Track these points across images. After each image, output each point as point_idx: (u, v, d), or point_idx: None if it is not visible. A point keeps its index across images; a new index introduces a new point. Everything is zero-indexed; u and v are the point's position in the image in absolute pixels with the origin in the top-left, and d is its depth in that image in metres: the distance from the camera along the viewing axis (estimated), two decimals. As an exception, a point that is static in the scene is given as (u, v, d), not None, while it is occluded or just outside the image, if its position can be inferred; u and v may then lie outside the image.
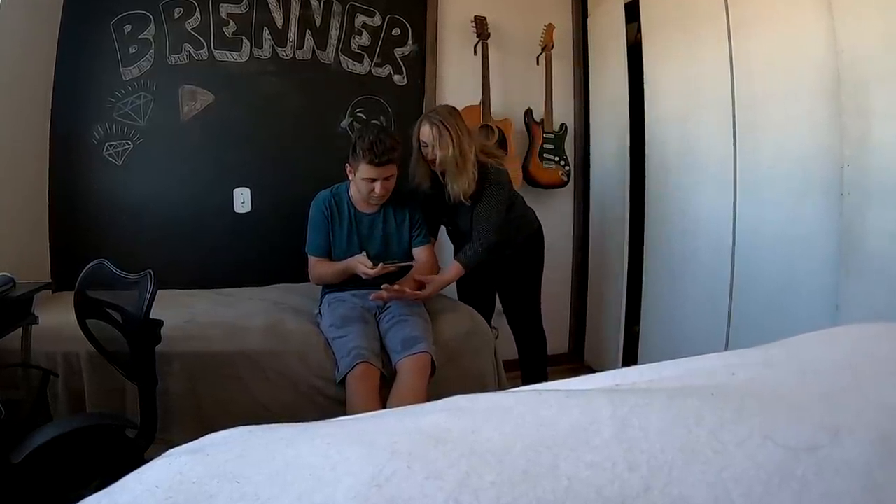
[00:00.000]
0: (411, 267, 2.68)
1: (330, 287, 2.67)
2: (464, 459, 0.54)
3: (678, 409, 0.60)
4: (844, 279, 2.42)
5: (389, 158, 2.45)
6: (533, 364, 3.03)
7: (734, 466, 0.50)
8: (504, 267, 2.92)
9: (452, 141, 2.62)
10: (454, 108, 2.80)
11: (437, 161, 2.64)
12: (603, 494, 0.47)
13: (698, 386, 0.68)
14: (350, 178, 2.59)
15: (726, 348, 2.83)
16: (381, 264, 2.48)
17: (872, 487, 0.48)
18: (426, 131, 2.68)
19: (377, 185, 2.48)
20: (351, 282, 2.59)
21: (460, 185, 2.64)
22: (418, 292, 2.55)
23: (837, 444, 0.53)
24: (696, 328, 3.11)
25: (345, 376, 2.21)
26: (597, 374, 0.84)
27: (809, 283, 2.58)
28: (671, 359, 0.91)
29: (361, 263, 2.48)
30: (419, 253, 2.71)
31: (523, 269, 2.98)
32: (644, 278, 3.48)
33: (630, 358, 3.51)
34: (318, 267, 2.62)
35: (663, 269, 3.36)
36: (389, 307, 2.58)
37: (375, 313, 2.58)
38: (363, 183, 2.50)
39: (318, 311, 2.62)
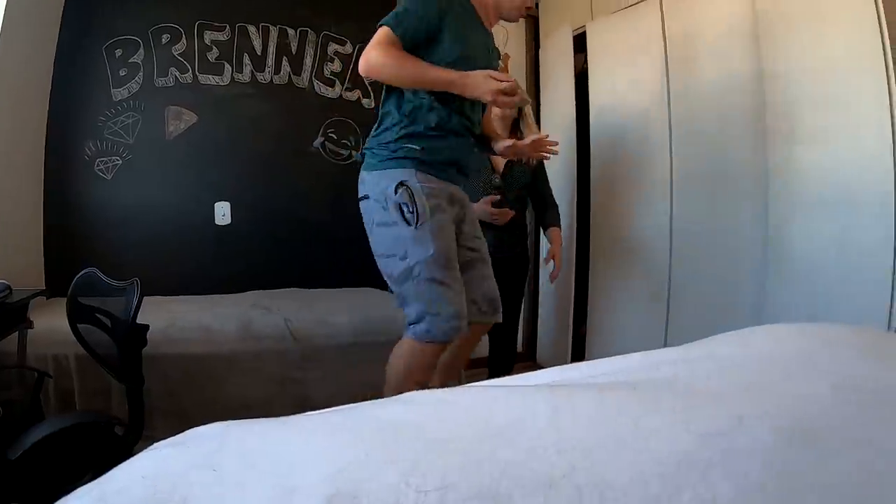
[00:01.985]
0: None
1: (422, 157, 1.76)
2: (414, 447, 0.56)
3: (605, 401, 0.62)
4: (771, 283, 2.49)
5: None
6: (500, 370, 2.91)
7: (650, 451, 0.52)
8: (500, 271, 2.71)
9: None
10: None
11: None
12: (535, 476, 0.49)
13: (625, 381, 0.71)
14: None
15: (664, 346, 2.90)
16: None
17: (773, 467, 0.50)
18: None
19: None
20: (453, 145, 1.82)
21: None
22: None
23: (742, 430, 0.55)
24: (637, 328, 3.16)
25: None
26: (538, 372, 0.86)
27: (739, 287, 2.64)
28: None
29: (497, 80, 1.67)
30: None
31: (514, 278, 2.79)
32: (590, 283, 3.53)
33: (578, 357, 3.52)
34: (391, 55, 1.68)
35: (607, 274, 3.41)
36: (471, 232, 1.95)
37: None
38: None
39: (379, 198, 1.76)
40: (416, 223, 1.69)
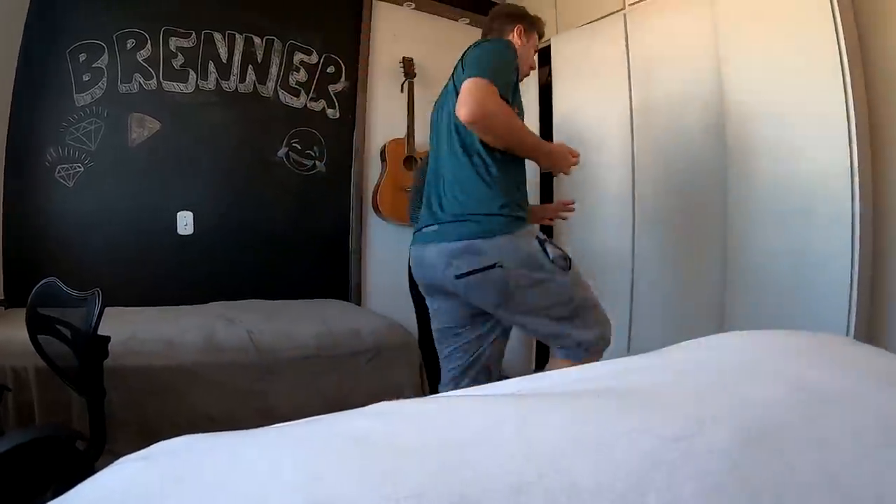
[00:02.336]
0: None
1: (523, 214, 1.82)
2: (387, 456, 0.57)
3: (571, 408, 0.64)
4: (731, 293, 2.55)
5: (492, 16, 2.14)
6: None
7: (616, 455, 0.54)
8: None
9: None
10: None
11: None
12: (504, 482, 0.51)
13: (589, 389, 0.73)
14: (519, 41, 2.04)
15: (629, 351, 2.94)
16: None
17: (733, 467, 0.53)
18: None
19: None
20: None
21: None
22: None
23: (703, 432, 0.58)
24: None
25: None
26: (505, 381, 0.88)
27: (700, 297, 2.71)
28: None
29: (573, 156, 1.91)
30: None
31: None
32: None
33: (542, 367, 3.56)
34: (506, 108, 1.68)
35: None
36: None
37: None
38: (531, 53, 2.12)
39: (524, 261, 1.74)
40: (570, 266, 1.78)
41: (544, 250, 1.74)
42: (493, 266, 1.70)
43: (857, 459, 0.57)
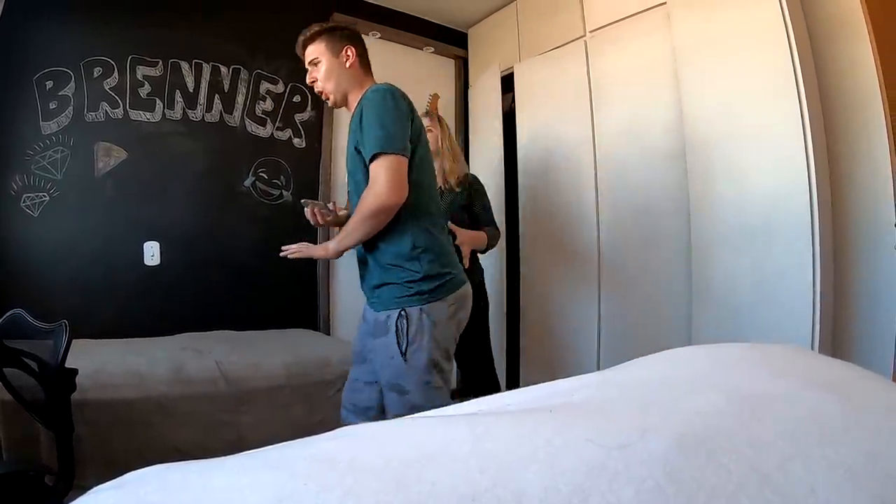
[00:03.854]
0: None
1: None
2: (349, 475, 0.60)
3: (522, 424, 0.69)
4: (695, 310, 2.63)
5: (306, 38, 1.97)
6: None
7: (562, 464, 0.59)
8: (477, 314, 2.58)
9: (447, 130, 2.77)
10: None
11: (432, 145, 2.51)
12: (458, 492, 0.55)
13: (542, 406, 0.78)
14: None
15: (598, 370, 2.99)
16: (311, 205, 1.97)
17: (670, 472, 0.58)
18: (425, 120, 2.58)
19: (308, 78, 1.98)
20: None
21: (452, 170, 2.68)
22: None
23: (644, 441, 0.63)
24: (570, 356, 3.27)
25: None
26: (464, 403, 0.93)
27: (667, 314, 2.78)
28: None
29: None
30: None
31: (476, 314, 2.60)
32: (521, 314, 3.62)
33: (514, 387, 3.59)
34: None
35: (538, 305, 3.51)
36: None
37: None
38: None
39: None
40: None
41: None
42: None
43: (789, 457, 0.62)
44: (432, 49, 4.25)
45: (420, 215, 1.80)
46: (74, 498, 0.71)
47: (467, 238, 2.57)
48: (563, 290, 3.34)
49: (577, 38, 3.29)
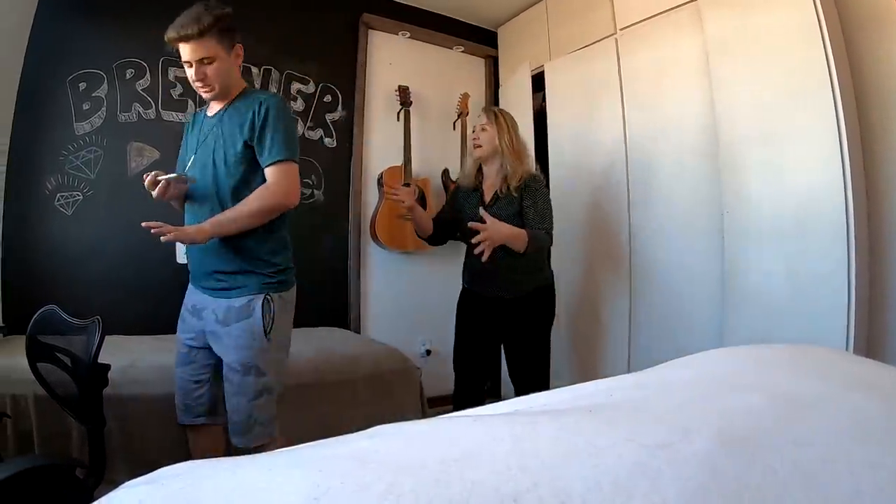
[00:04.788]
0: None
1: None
2: (387, 474, 0.60)
3: (563, 424, 0.67)
4: (727, 310, 2.58)
5: (199, 31, 1.75)
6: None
7: (604, 463, 0.58)
8: (511, 320, 2.52)
9: (508, 125, 2.48)
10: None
11: (485, 144, 2.47)
12: (500, 492, 0.54)
13: (581, 406, 0.76)
14: None
15: (629, 371, 2.96)
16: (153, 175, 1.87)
17: (714, 471, 0.57)
18: (482, 116, 2.54)
19: (191, 72, 1.84)
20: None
21: (514, 171, 2.42)
22: None
23: (687, 440, 0.62)
24: (602, 356, 3.23)
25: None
26: (501, 402, 0.91)
27: (698, 314, 2.73)
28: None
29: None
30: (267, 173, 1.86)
31: (531, 324, 2.54)
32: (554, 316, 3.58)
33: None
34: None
35: (568, 305, 3.48)
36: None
37: None
38: (187, 69, 1.86)
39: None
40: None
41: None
42: None
43: (832, 457, 0.60)
44: (462, 48, 4.24)
45: (286, 216, 1.98)
46: (104, 492, 0.71)
47: (493, 233, 2.20)
48: (593, 289, 3.31)
49: (607, 36, 3.26)
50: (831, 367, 0.93)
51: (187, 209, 2.00)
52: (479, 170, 2.63)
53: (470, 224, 2.22)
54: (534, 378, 2.51)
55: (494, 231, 2.20)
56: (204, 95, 1.91)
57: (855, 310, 2.17)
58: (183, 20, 1.76)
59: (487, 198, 2.56)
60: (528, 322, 2.53)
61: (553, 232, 2.48)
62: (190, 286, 2.04)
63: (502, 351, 2.65)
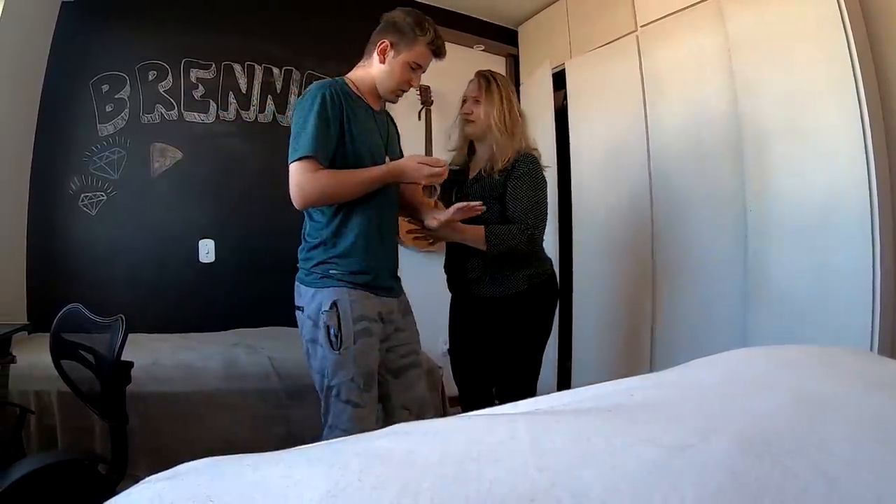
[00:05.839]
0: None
1: (346, 271, 1.80)
2: (404, 472, 0.60)
3: (581, 424, 0.67)
4: (750, 308, 2.55)
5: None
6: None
7: (623, 464, 0.57)
8: (501, 321, 2.22)
9: (502, 96, 2.18)
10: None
11: (478, 119, 2.20)
12: (517, 491, 0.54)
13: (600, 406, 0.76)
14: (380, 59, 1.90)
15: (651, 370, 2.93)
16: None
17: (733, 474, 0.56)
18: (472, 84, 2.25)
19: (418, 76, 1.93)
20: (382, 233, 1.90)
21: (501, 151, 2.13)
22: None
23: (706, 442, 0.61)
24: (623, 356, 3.21)
25: None
26: (519, 402, 0.91)
27: (721, 312, 2.70)
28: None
29: (427, 164, 1.78)
30: None
31: (526, 329, 2.24)
32: (574, 315, 3.57)
33: (565, 387, 3.54)
34: (323, 178, 1.72)
35: (591, 308, 3.46)
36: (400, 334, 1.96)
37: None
38: (404, 68, 1.88)
39: (313, 317, 1.78)
40: (340, 347, 1.75)
41: (328, 313, 1.76)
42: (298, 308, 1.85)
43: (855, 459, 0.59)
44: (482, 47, 4.23)
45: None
46: (126, 487, 0.72)
47: (444, 226, 2.04)
48: (615, 287, 3.29)
49: (628, 34, 3.23)
50: (854, 368, 0.92)
51: (376, 205, 1.87)
52: (472, 146, 2.38)
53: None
54: (517, 385, 2.26)
55: (446, 225, 2.03)
56: (395, 98, 1.98)
57: (880, 309, 2.14)
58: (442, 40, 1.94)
59: (471, 176, 2.31)
60: (518, 325, 2.23)
61: (540, 229, 2.16)
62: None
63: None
